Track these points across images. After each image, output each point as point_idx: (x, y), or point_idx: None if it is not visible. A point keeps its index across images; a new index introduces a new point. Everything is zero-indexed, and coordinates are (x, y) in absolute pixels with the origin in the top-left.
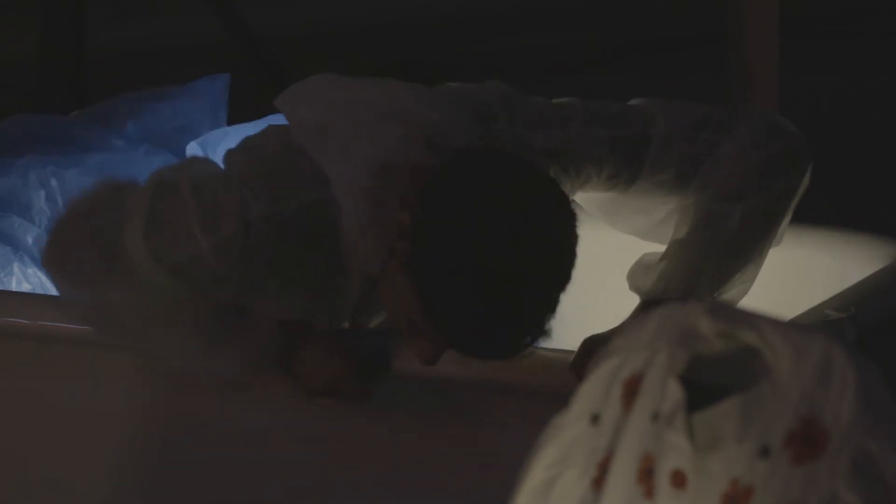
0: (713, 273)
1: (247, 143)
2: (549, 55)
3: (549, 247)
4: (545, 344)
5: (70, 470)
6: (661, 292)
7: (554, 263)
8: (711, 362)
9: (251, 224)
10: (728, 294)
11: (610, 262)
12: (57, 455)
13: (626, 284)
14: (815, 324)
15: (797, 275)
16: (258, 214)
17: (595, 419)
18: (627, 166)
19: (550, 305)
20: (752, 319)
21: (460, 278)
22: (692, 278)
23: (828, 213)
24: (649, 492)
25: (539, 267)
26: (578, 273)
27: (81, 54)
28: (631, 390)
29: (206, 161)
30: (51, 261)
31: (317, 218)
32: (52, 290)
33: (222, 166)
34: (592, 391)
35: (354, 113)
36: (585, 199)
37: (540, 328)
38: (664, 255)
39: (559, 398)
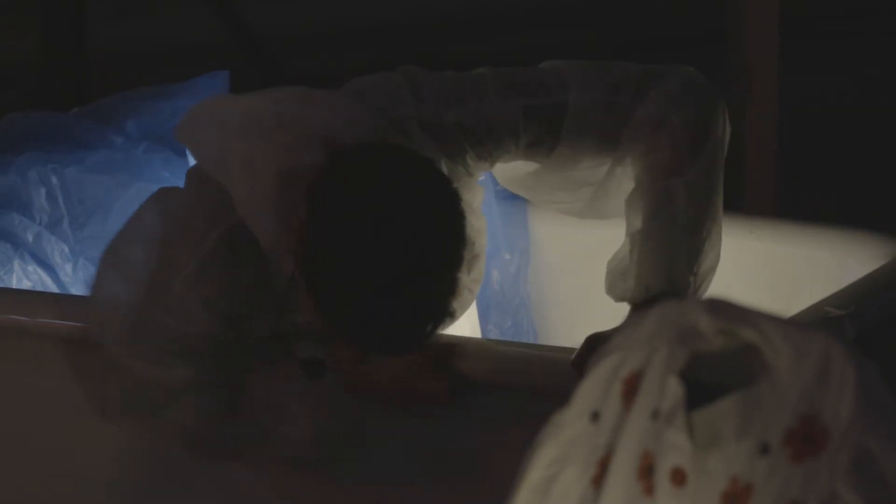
0: (684, 255)
1: (174, 195)
2: (549, 55)
3: (432, 234)
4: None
5: (68, 468)
6: (644, 294)
7: (440, 249)
8: (711, 360)
9: (190, 279)
10: (705, 264)
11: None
12: (55, 453)
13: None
14: (815, 321)
15: (797, 272)
16: (193, 270)
17: (595, 417)
18: (546, 134)
19: (445, 290)
20: (752, 317)
21: (345, 279)
22: (668, 269)
23: (828, 210)
24: (649, 490)
25: (424, 256)
26: (577, 270)
27: (81, 54)
28: (631, 388)
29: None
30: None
31: (237, 241)
32: (52, 288)
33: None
34: (592, 389)
35: (248, 128)
36: (510, 181)
37: (439, 314)
38: (631, 250)
39: (559, 396)
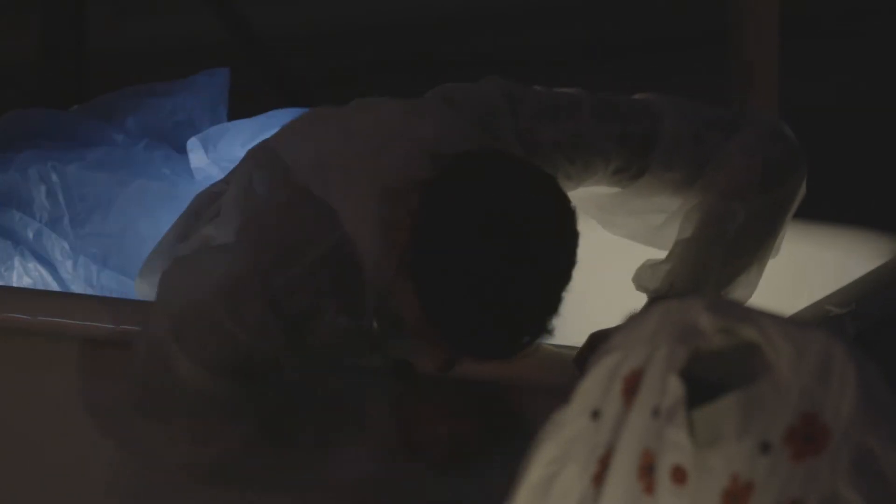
0: (719, 272)
1: (251, 217)
2: (549, 55)
3: (546, 247)
4: (547, 340)
5: (70, 466)
6: (667, 291)
7: (552, 264)
8: (712, 359)
9: (276, 296)
10: (733, 295)
11: (612, 257)
12: (58, 451)
13: (628, 279)
14: (816, 320)
15: (798, 270)
16: (280, 283)
17: (595, 415)
18: (635, 162)
19: (550, 306)
20: (753, 315)
21: (453, 284)
22: (698, 277)
23: (828, 209)
24: (649, 488)
25: (535, 269)
26: (581, 268)
27: (81, 54)
28: (631, 386)
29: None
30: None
31: (341, 259)
32: (52, 285)
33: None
34: (593, 387)
35: (350, 142)
36: (585, 199)
37: (539, 329)
38: (669, 255)
39: (559, 394)
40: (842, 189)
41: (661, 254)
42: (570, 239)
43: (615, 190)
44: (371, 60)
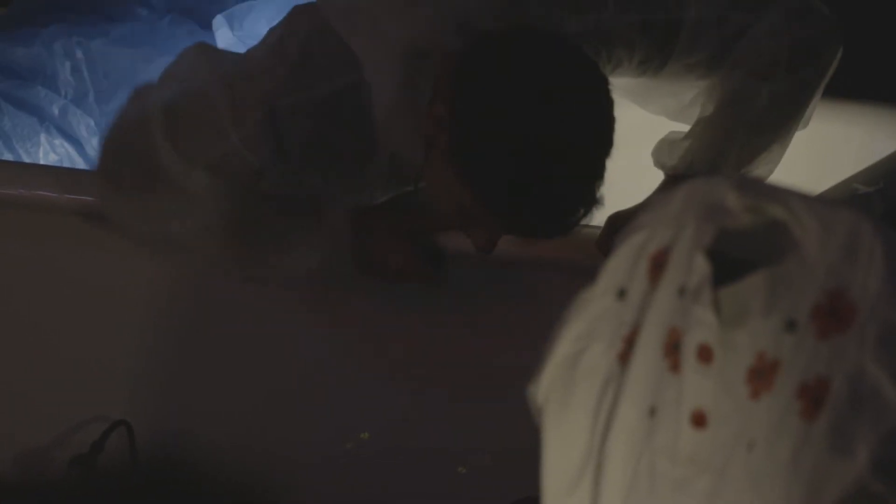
0: (738, 150)
1: (269, 37)
2: None
3: (588, 115)
4: (597, 213)
5: (96, 342)
6: (685, 168)
7: (595, 131)
8: (738, 237)
9: (279, 112)
10: (753, 173)
11: (634, 139)
12: (82, 327)
13: (649, 161)
14: (843, 198)
15: (826, 149)
16: (287, 102)
17: (621, 294)
18: (658, 51)
19: (598, 173)
20: (780, 193)
21: (505, 159)
22: (717, 155)
23: (855, 86)
24: (675, 365)
25: (581, 136)
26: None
27: None
28: (657, 265)
29: (218, 54)
30: (103, 193)
31: (350, 102)
32: (79, 161)
33: (244, 49)
34: (619, 266)
35: None
36: (614, 85)
37: (591, 198)
38: (689, 133)
39: (586, 273)
40: (868, 65)
41: (684, 128)
42: (609, 104)
43: (643, 78)
44: None
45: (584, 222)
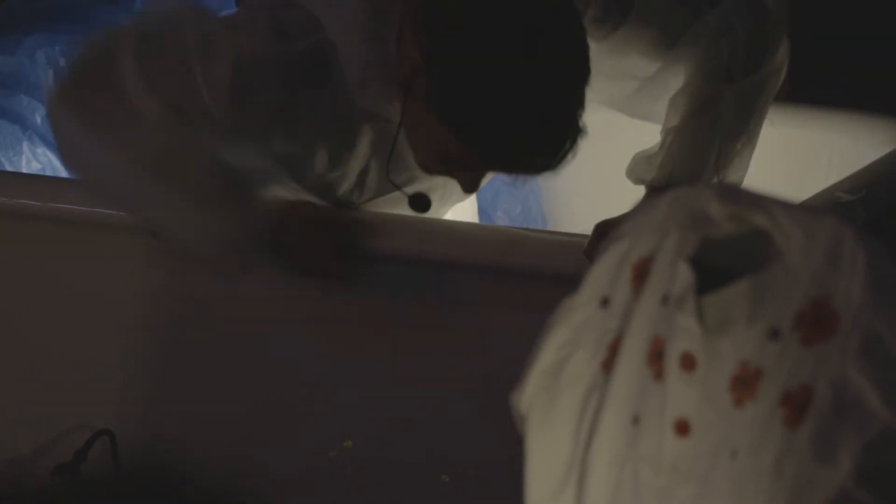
0: (716, 157)
1: (241, 10)
2: None
3: (562, 43)
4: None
5: (80, 350)
6: (666, 180)
7: (571, 58)
8: (721, 245)
9: (247, 65)
10: (729, 178)
11: (624, 145)
12: (66, 335)
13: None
14: (826, 206)
15: (808, 156)
16: (255, 54)
17: (605, 302)
18: (614, 11)
19: (578, 100)
20: (763, 201)
21: (484, 94)
22: (696, 164)
23: (838, 94)
24: (659, 374)
25: (557, 65)
26: (588, 156)
27: None
28: (640, 273)
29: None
30: (58, 108)
31: (318, 61)
32: (61, 171)
33: None
34: (602, 274)
35: None
36: None
37: (574, 126)
38: (661, 145)
39: (571, 281)
40: (853, 72)
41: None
42: (581, 31)
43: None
44: None
45: (570, 152)
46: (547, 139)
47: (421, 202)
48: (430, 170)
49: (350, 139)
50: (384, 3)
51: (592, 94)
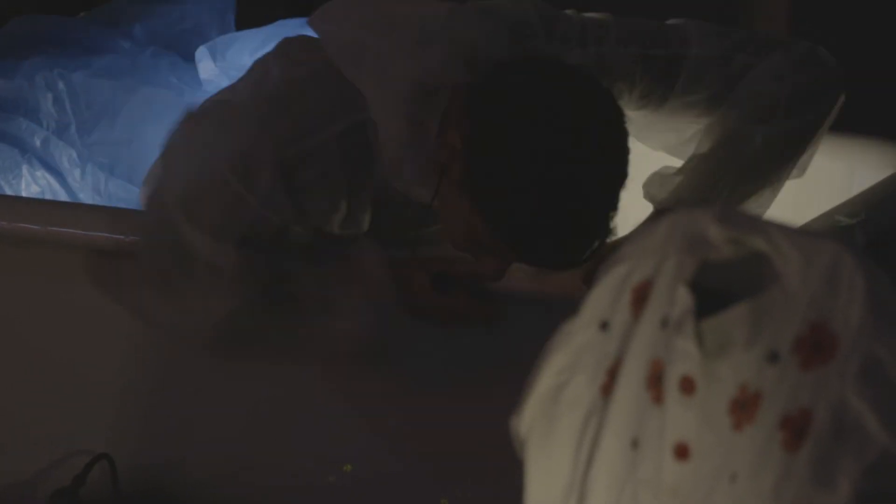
0: (729, 192)
1: (264, 80)
2: None
3: (603, 146)
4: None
5: (78, 373)
6: (674, 204)
7: (612, 163)
8: (720, 268)
9: (288, 163)
10: None
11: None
12: (64, 359)
13: (640, 193)
14: (825, 230)
15: (807, 180)
16: (294, 152)
17: (604, 326)
18: (659, 86)
19: (612, 204)
20: (762, 225)
21: (520, 189)
22: (707, 194)
23: (838, 118)
24: (658, 397)
25: (598, 170)
26: None
27: None
28: (640, 297)
29: (205, 121)
30: (142, 294)
31: (356, 141)
32: (61, 193)
33: (227, 81)
34: (601, 298)
35: (391, 31)
36: None
37: (606, 229)
38: (682, 168)
39: (570, 305)
40: (850, 97)
41: (678, 162)
42: (624, 135)
43: (644, 112)
44: None
45: (596, 253)
46: (578, 242)
47: (444, 283)
48: (458, 248)
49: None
50: (431, 89)
51: (648, 143)
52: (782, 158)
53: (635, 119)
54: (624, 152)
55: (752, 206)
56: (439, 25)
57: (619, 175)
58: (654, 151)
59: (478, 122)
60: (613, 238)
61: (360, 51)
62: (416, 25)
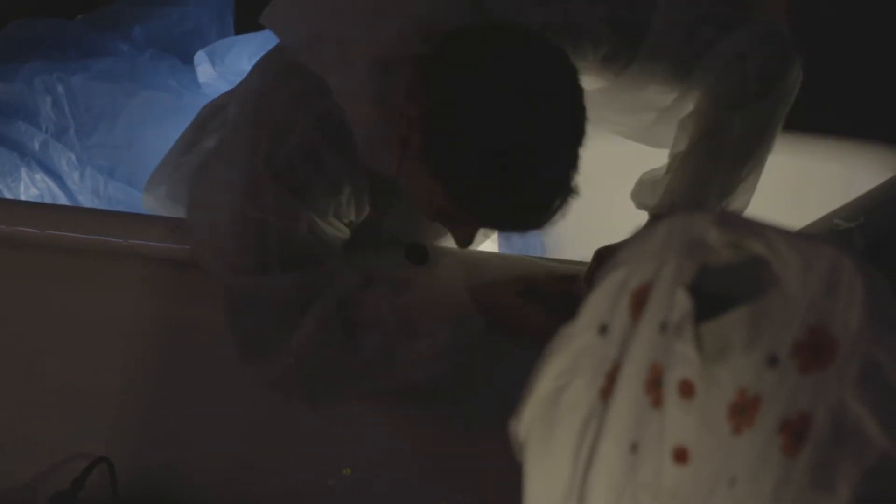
0: (720, 183)
1: (245, 96)
2: None
3: (560, 108)
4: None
5: (77, 377)
6: (668, 206)
7: (568, 123)
8: (719, 272)
9: (282, 170)
10: (733, 204)
11: (622, 172)
12: (63, 363)
13: (630, 201)
14: (824, 233)
15: (806, 184)
16: (283, 160)
17: (603, 330)
18: (624, 48)
19: (573, 164)
20: (761, 229)
21: (477, 156)
22: (700, 190)
23: (836, 122)
24: (657, 401)
25: (554, 130)
26: (588, 184)
27: None
28: (639, 301)
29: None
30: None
31: (334, 123)
32: (60, 196)
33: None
34: (600, 302)
35: (344, 15)
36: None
37: (566, 189)
38: (668, 169)
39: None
40: (851, 99)
41: (655, 164)
42: (579, 94)
43: (605, 84)
44: None
45: (560, 212)
46: (538, 201)
47: (418, 253)
48: (429, 218)
49: (356, 194)
50: (390, 65)
51: (611, 126)
52: (762, 138)
53: (595, 97)
54: (580, 110)
55: (740, 192)
56: (390, 1)
57: (576, 136)
58: (630, 158)
59: (432, 91)
60: (577, 196)
61: (316, 38)
62: (367, 5)
